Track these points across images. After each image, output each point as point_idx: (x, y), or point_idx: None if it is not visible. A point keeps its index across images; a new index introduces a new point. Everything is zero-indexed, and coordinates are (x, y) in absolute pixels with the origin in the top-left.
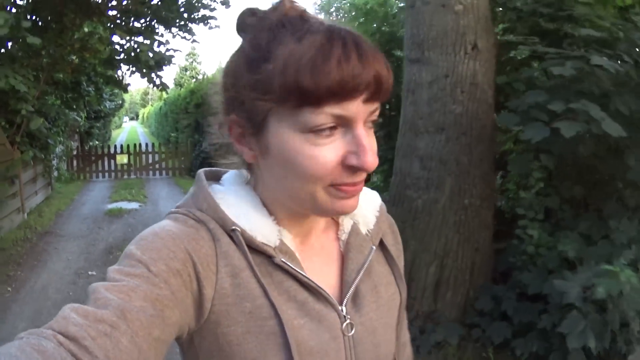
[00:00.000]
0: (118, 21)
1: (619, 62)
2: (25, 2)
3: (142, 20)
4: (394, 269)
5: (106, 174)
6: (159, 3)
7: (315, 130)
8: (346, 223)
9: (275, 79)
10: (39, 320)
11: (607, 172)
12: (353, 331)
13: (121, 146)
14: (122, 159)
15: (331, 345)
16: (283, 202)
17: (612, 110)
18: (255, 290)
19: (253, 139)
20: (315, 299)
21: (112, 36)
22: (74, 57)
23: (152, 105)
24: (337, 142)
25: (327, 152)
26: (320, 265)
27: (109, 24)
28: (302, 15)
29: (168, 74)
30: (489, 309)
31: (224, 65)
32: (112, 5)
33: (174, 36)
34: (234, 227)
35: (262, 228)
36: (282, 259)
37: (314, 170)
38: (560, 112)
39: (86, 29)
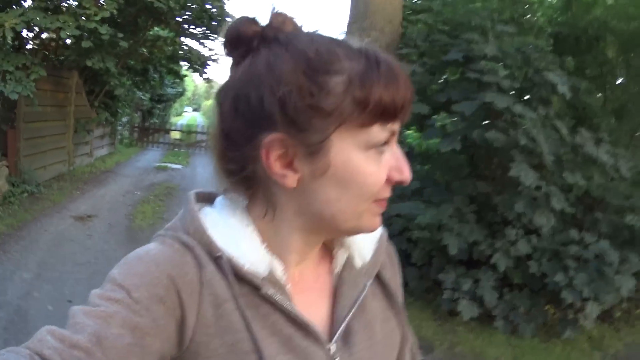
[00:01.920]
0: (180, 27)
1: None
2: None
3: (200, 29)
4: (392, 303)
5: (160, 145)
6: (212, 16)
7: (377, 147)
8: (339, 256)
9: (349, 94)
10: (96, 208)
11: None
12: None
13: (176, 125)
14: (175, 134)
15: None
16: (308, 228)
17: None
18: (237, 323)
19: (305, 160)
20: (302, 335)
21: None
22: (144, 50)
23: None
24: (385, 158)
25: (382, 168)
26: (312, 299)
27: (174, 29)
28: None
29: (225, 70)
30: None
31: (245, 76)
32: (177, 14)
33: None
34: (219, 254)
35: (251, 256)
36: (269, 291)
37: (374, 187)
38: None
39: (156, 29)
